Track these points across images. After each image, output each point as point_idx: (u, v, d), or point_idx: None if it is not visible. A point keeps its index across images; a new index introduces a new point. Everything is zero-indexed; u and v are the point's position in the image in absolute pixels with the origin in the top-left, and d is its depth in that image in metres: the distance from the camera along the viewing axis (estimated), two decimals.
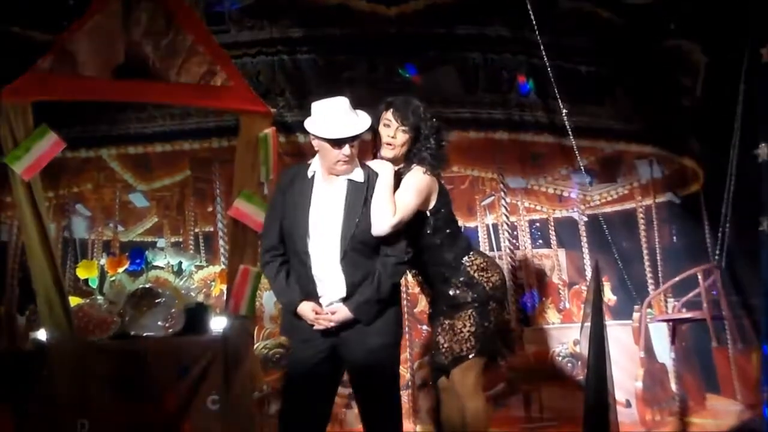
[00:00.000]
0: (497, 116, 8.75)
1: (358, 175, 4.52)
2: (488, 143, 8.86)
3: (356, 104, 4.66)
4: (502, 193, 9.83)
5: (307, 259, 4.43)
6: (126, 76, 6.11)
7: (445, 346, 4.90)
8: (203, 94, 6.33)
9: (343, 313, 4.40)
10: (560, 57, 8.57)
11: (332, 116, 4.40)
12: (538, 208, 11.64)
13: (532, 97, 8.79)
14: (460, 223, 11.76)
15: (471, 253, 4.99)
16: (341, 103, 4.47)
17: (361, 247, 4.42)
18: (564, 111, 7.44)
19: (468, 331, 4.79)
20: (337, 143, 4.40)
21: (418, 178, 4.76)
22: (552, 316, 9.60)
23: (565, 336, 8.57)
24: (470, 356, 4.84)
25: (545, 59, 7.53)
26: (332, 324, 4.39)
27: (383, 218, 4.48)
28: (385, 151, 4.82)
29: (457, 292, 4.86)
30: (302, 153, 6.93)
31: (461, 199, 11.39)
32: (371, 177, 4.53)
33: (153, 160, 9.30)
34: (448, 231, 4.93)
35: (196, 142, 8.62)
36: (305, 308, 4.44)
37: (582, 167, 9.17)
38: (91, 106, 7.97)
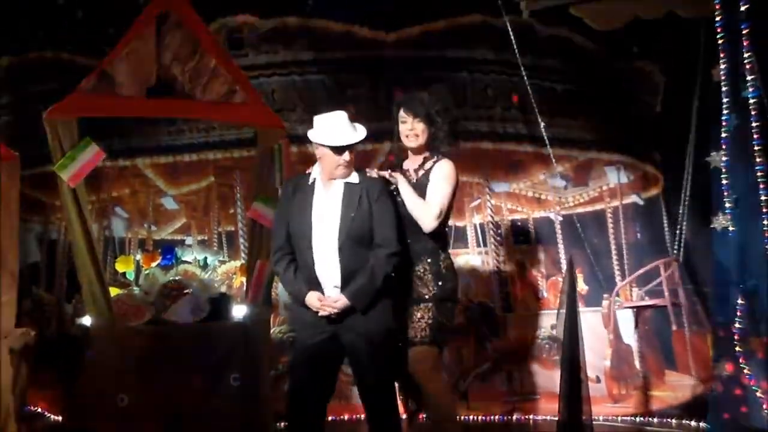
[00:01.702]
0: (483, 128, 8.76)
1: (354, 178, 4.59)
2: (475, 152, 8.86)
3: (359, 118, 4.70)
4: (488, 196, 9.88)
5: (310, 253, 4.50)
6: (157, 95, 6.13)
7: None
8: (225, 110, 6.35)
9: (343, 300, 4.44)
10: (539, 77, 8.61)
11: (334, 127, 4.51)
12: (520, 209, 11.68)
13: (514, 111, 8.80)
14: (450, 223, 11.98)
15: (443, 249, 4.74)
16: (341, 116, 4.57)
17: (356, 240, 4.46)
18: (542, 124, 7.45)
19: (425, 322, 4.57)
20: (338, 150, 4.49)
21: (449, 168, 4.67)
22: (532, 304, 9.61)
23: (543, 321, 8.58)
24: (421, 344, 4.57)
25: (525, 79, 7.54)
26: (335, 310, 4.43)
27: (425, 215, 4.51)
28: (410, 142, 4.73)
29: (426, 285, 4.63)
30: (312, 161, 6.94)
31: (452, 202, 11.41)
32: (365, 180, 4.57)
33: (182, 168, 9.32)
34: (443, 224, 4.72)
35: (219, 153, 8.62)
36: (311, 298, 4.48)
37: (558, 173, 9.21)
38: (128, 121, 8.04)
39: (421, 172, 4.75)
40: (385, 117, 7.60)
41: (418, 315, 4.59)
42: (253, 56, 8.60)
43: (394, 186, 4.66)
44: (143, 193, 10.42)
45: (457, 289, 4.77)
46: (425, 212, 4.55)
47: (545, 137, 7.45)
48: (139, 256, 7.93)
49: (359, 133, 4.56)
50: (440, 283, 4.63)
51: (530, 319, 8.85)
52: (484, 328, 8.51)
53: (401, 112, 4.77)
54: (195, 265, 7.98)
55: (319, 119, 4.59)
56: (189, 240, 11.52)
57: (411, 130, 4.73)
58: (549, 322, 8.42)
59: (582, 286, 9.15)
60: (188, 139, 8.62)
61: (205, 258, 8.27)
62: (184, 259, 7.93)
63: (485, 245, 10.57)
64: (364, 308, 4.42)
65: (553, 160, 7.92)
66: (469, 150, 8.84)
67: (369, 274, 4.43)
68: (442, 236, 4.78)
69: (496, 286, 9.33)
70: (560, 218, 10.44)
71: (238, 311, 6.47)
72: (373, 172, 4.67)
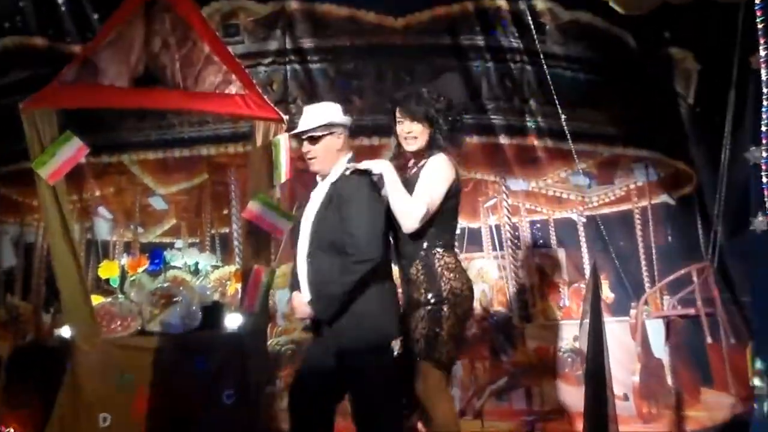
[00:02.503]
0: (499, 122, 8.71)
1: (334, 175, 4.51)
2: (491, 147, 8.83)
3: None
4: (504, 196, 9.83)
5: (294, 258, 4.50)
6: (146, 85, 6.10)
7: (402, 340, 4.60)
8: (219, 102, 6.31)
9: (305, 308, 4.38)
10: (560, 65, 8.58)
11: (304, 115, 4.52)
12: (539, 209, 11.65)
13: (533, 104, 8.76)
14: (463, 224, 12.01)
15: (446, 249, 4.50)
16: (318, 105, 4.58)
17: (327, 247, 4.35)
18: (563, 117, 7.40)
19: (419, 333, 4.35)
20: (300, 141, 4.53)
21: (439, 164, 4.51)
22: (552, 313, 9.56)
23: (565, 332, 8.52)
24: (419, 358, 4.35)
25: (545, 67, 7.49)
26: (299, 317, 4.44)
27: (406, 213, 4.34)
28: (409, 145, 4.62)
29: (419, 289, 4.43)
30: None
31: (465, 202, 11.28)
32: (341, 179, 4.47)
33: (172, 165, 9.28)
34: (444, 223, 4.52)
35: (212, 148, 8.58)
36: (291, 302, 4.53)
37: (581, 170, 9.17)
38: (113, 114, 8.01)
39: (414, 170, 4.62)
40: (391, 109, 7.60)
41: (413, 325, 4.43)
42: (249, 43, 8.57)
43: (378, 177, 4.49)
44: (129, 192, 10.39)
45: (461, 290, 4.43)
46: (407, 210, 4.37)
47: (567, 131, 7.41)
48: (124, 261, 7.91)
49: (315, 120, 4.50)
50: (433, 285, 4.39)
51: (551, 330, 8.80)
52: (500, 340, 8.48)
53: (397, 112, 4.65)
54: (185, 270, 7.97)
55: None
56: (179, 243, 11.50)
57: (408, 132, 4.58)
58: (571, 333, 8.36)
59: (607, 294, 9.11)
60: (179, 134, 8.58)
61: (197, 263, 8.26)
62: (173, 264, 7.92)
63: (501, 249, 10.55)
64: (328, 319, 4.31)
65: (575, 157, 7.87)
66: (484, 145, 8.81)
67: (330, 281, 4.29)
68: (443, 233, 4.54)
69: (514, 293, 9.29)
70: (583, 219, 10.42)
71: (233, 321, 6.44)
72: (361, 165, 4.51)
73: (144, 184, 9.86)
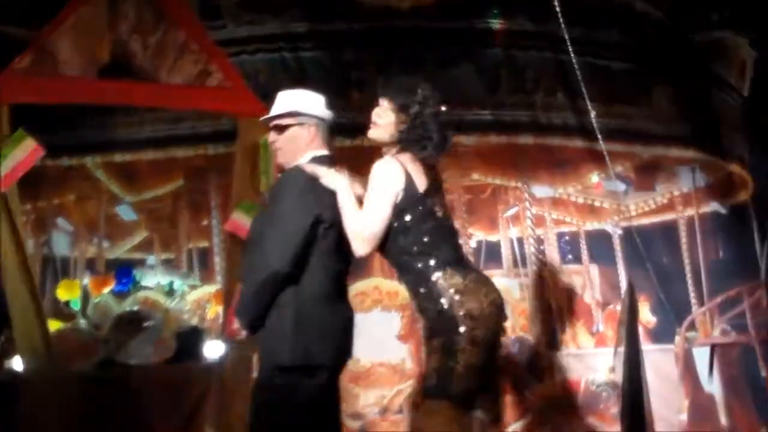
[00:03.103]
0: (521, 118, 8.72)
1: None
2: (511, 148, 8.83)
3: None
4: (527, 204, 9.81)
5: None
6: (112, 77, 6.10)
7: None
8: (197, 96, 6.32)
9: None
10: (590, 53, 8.57)
11: (276, 101, 4.56)
12: (568, 219, 11.64)
13: (560, 98, 8.76)
14: (480, 236, 12.01)
15: (448, 268, 4.36)
16: (291, 92, 4.60)
17: (250, 248, 4.48)
18: (594, 112, 7.40)
19: (432, 366, 4.25)
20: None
21: (377, 171, 4.42)
22: (584, 340, 9.55)
23: (599, 362, 8.52)
24: (428, 395, 4.26)
25: (574, 55, 7.49)
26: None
27: (354, 238, 4.32)
28: (370, 131, 4.60)
29: (428, 317, 4.35)
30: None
31: (482, 210, 11.39)
32: (282, 177, 4.54)
33: (142, 169, 9.29)
34: (424, 237, 4.35)
35: (190, 149, 8.57)
36: None
37: (615, 174, 9.15)
38: (74, 110, 7.97)
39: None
40: None
41: (426, 357, 4.41)
42: (232, 28, 8.59)
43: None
44: (93, 200, 10.40)
45: (480, 310, 4.27)
46: (351, 231, 4.38)
47: (598, 129, 7.40)
48: (86, 280, 7.93)
49: (282, 106, 4.53)
50: (442, 314, 4.26)
51: (582, 360, 8.82)
52: (522, 371, 8.47)
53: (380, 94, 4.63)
54: (158, 291, 7.96)
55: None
56: (151, 259, 11.50)
57: (378, 116, 4.55)
58: (606, 363, 8.34)
59: (647, 318, 9.10)
60: (151, 132, 8.57)
61: (171, 282, 8.26)
62: (144, 283, 7.92)
63: (524, 266, 10.54)
64: (244, 326, 4.36)
65: (608, 159, 7.86)
66: (503, 145, 8.81)
67: (246, 282, 4.40)
68: (432, 250, 4.45)
69: (539, 317, 9.25)
70: (619, 231, 10.40)
71: (213, 349, 6.43)
72: (317, 169, 4.48)
73: (110, 191, 9.87)
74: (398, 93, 4.48)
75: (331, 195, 4.33)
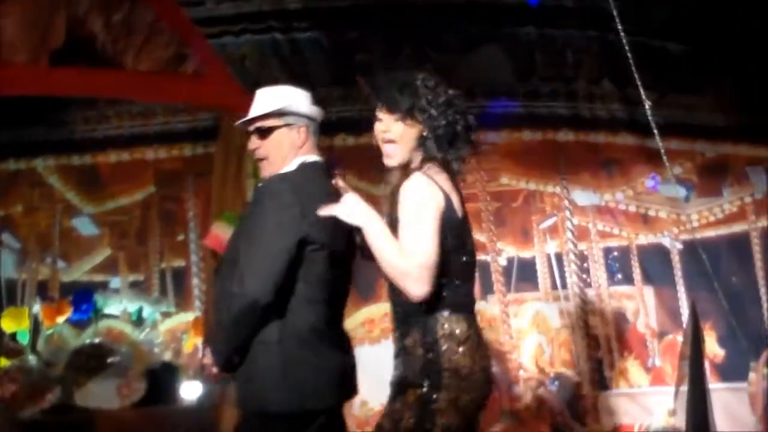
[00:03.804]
0: (560, 110, 8.73)
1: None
2: (548, 146, 8.83)
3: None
4: (568, 213, 9.80)
5: None
6: (68, 63, 6.10)
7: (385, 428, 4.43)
8: (170, 85, 6.33)
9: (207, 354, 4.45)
10: (643, 32, 8.57)
11: (254, 101, 4.53)
12: (616, 232, 11.63)
13: (606, 86, 8.77)
14: (511, 252, 12.00)
15: (457, 312, 4.25)
16: (272, 89, 4.55)
17: (224, 271, 4.38)
18: (648, 103, 7.39)
19: (404, 425, 4.13)
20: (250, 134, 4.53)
21: (413, 191, 4.30)
22: (637, 377, 9.53)
23: (656, 403, 8.50)
24: None
25: (623, 35, 7.49)
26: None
27: (404, 279, 4.16)
28: (387, 155, 4.41)
29: (413, 364, 4.19)
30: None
31: (513, 221, 11.38)
32: (263, 187, 4.49)
33: (105, 174, 9.30)
34: (456, 272, 4.19)
35: (162, 149, 8.59)
36: None
37: (674, 177, 9.13)
38: (22, 103, 8.00)
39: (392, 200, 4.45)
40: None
41: (394, 406, 4.31)
42: (213, 5, 8.58)
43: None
44: (45, 212, 10.42)
45: (471, 370, 4.27)
46: (401, 273, 4.22)
47: (653, 123, 7.40)
48: (37, 308, 7.91)
49: (266, 105, 4.49)
50: (431, 361, 4.31)
51: (635, 401, 8.81)
52: (563, 414, 8.48)
53: (377, 108, 4.47)
54: (124, 320, 7.95)
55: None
56: (115, 282, 11.51)
57: (385, 132, 4.40)
58: (665, 404, 8.27)
59: (714, 351, 9.06)
60: (115, 130, 8.60)
61: (140, 309, 8.25)
62: (107, 311, 7.91)
63: (564, 287, 10.53)
64: (219, 365, 4.35)
65: (666, 158, 7.84)
66: (538, 142, 8.80)
67: (219, 310, 4.40)
68: (450, 289, 4.38)
69: (583, 349, 9.25)
70: (679, 245, 10.37)
71: (190, 390, 6.42)
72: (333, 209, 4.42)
73: (66, 200, 9.86)
74: (398, 97, 4.32)
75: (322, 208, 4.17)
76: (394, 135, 4.21)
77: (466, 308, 4.25)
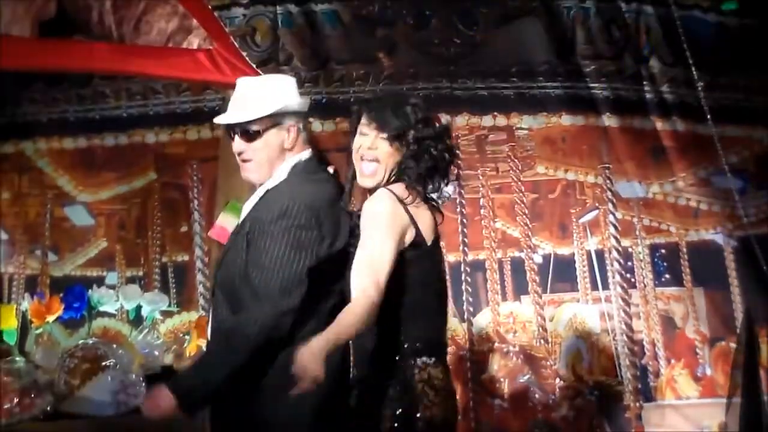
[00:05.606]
0: (603, 93, 8.68)
1: (276, 179, 4.42)
2: (589, 132, 8.81)
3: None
4: (610, 206, 9.76)
5: None
6: (59, 36, 6.11)
7: None
8: (172, 61, 6.32)
9: (156, 397, 4.25)
10: (696, 5, 8.54)
11: (234, 97, 4.43)
12: (664, 227, 11.60)
13: (654, 65, 8.74)
14: (547, 248, 11.97)
15: (430, 352, 4.25)
16: (258, 79, 4.50)
17: (227, 291, 4.27)
18: (700, 84, 7.36)
19: None
20: (228, 134, 4.41)
21: (375, 205, 4.26)
22: (685, 387, 9.51)
23: (706, 416, 8.49)
24: None
25: (674, 8, 7.46)
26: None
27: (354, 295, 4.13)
28: (364, 179, 4.36)
29: (387, 406, 4.15)
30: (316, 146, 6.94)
31: (550, 214, 11.39)
32: (275, 188, 4.38)
33: (101, 158, 9.32)
34: (416, 306, 4.19)
35: (163, 132, 8.63)
36: None
37: (728, 167, 9.09)
38: (9, 79, 8.03)
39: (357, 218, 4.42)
40: (437, 73, 7.52)
41: None
42: None
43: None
44: (35, 199, 10.48)
45: (444, 420, 4.29)
46: (354, 290, 4.17)
47: (706, 107, 7.37)
48: (26, 305, 7.92)
49: (257, 106, 4.39)
50: (406, 409, 4.29)
51: (683, 413, 8.85)
52: (603, 426, 8.48)
53: (363, 118, 4.41)
54: (121, 319, 7.95)
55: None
56: (112, 277, 11.55)
57: (369, 149, 4.36)
58: (716, 417, 8.31)
59: None
60: (112, 110, 8.61)
61: (139, 307, 8.25)
62: (102, 309, 7.91)
63: (605, 288, 10.51)
64: (187, 408, 4.20)
65: (720, 147, 7.82)
66: (578, 128, 8.78)
67: (198, 359, 4.28)
68: (421, 325, 4.35)
69: (625, 355, 9.23)
70: (734, 243, 10.33)
71: None
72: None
73: (58, 187, 9.91)
74: (390, 117, 4.29)
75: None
76: (380, 154, 4.23)
77: (441, 348, 4.34)
